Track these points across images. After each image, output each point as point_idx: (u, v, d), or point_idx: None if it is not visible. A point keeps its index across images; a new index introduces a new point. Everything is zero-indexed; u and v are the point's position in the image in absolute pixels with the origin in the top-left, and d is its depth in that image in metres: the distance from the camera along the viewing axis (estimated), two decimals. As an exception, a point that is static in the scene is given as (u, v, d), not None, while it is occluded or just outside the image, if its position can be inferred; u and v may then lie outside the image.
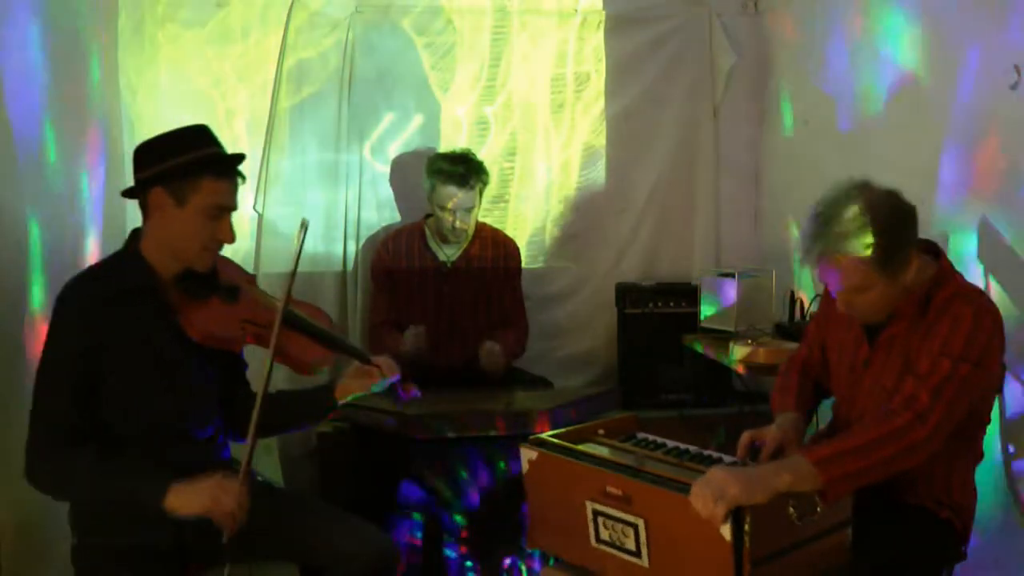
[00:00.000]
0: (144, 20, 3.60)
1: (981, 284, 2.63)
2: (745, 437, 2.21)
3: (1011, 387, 2.46)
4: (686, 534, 1.87)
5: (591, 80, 4.06)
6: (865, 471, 1.91)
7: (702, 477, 1.85)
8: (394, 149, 3.93)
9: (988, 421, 2.22)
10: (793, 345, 2.93)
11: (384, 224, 3.92)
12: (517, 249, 3.81)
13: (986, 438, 2.24)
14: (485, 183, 3.63)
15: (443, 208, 3.54)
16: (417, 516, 3.06)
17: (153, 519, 2.02)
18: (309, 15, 3.78)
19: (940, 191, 2.83)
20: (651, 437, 2.30)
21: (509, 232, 3.90)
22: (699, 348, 3.63)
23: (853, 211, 2.01)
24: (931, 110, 2.92)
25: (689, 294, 3.83)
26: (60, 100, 2.70)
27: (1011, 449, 2.57)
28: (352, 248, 3.89)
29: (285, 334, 2.18)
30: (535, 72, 4.00)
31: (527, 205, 4.07)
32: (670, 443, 2.24)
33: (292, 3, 3.74)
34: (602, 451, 2.18)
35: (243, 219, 3.63)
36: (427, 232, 3.69)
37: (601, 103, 4.07)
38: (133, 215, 3.21)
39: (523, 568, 3.02)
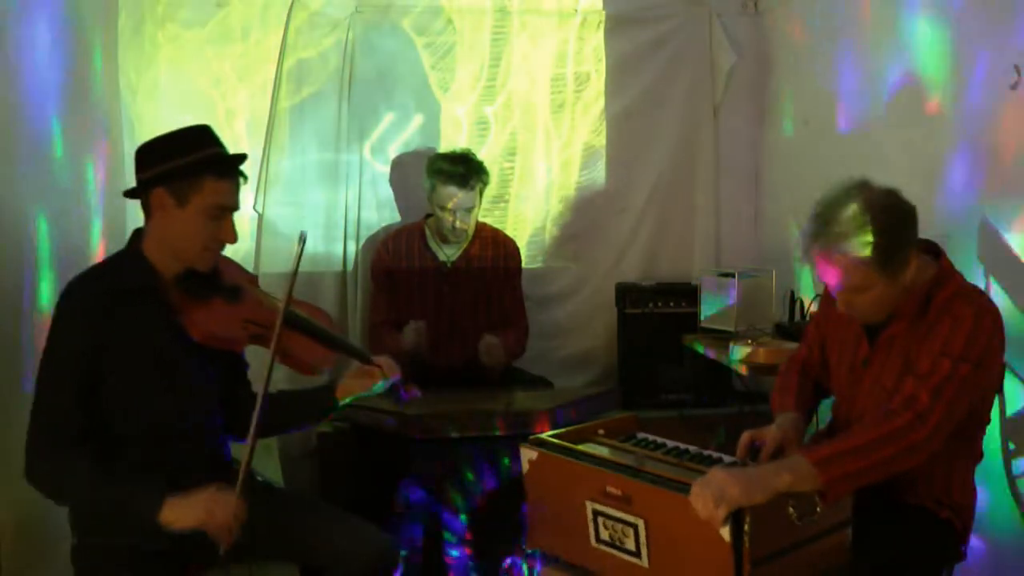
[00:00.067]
0: (144, 20, 3.60)
1: (981, 284, 2.63)
2: (745, 437, 2.21)
3: (1011, 387, 2.46)
4: (686, 534, 1.87)
5: (591, 80, 4.06)
6: (865, 471, 1.91)
7: (702, 478, 1.85)
8: (394, 149, 3.93)
9: (988, 421, 2.22)
10: (793, 345, 2.93)
11: (384, 224, 3.92)
12: (517, 249, 3.81)
13: (986, 438, 2.24)
14: (485, 183, 3.63)
15: (443, 208, 3.54)
16: (417, 516, 3.06)
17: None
18: (309, 15, 3.78)
19: (940, 191, 2.83)
20: (651, 437, 2.30)
21: (509, 232, 3.90)
22: (699, 348, 3.63)
23: (852, 210, 2.01)
24: (931, 110, 2.92)
25: (689, 294, 3.83)
26: (67, 95, 2.71)
27: (1011, 449, 2.57)
28: (352, 248, 3.89)
29: (286, 334, 2.18)
30: (535, 72, 4.00)
31: (527, 205, 4.07)
32: (670, 443, 2.25)
33: (292, 3, 3.73)
34: (602, 451, 2.18)
35: (243, 219, 3.63)
36: (427, 232, 3.69)
37: (601, 103, 4.07)
38: (133, 215, 3.22)
39: (523, 568, 3.02)
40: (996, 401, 2.31)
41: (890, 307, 2.11)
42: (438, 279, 3.66)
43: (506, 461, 2.98)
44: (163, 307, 2.17)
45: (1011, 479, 2.58)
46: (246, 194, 2.28)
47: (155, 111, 3.63)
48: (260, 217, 3.77)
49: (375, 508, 2.85)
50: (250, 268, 3.07)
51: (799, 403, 2.33)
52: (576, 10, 4.01)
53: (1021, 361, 2.48)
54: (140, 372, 2.11)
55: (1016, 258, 2.57)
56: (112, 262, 2.24)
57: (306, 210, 3.85)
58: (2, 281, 2.31)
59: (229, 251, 2.27)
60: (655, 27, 4.07)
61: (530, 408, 3.07)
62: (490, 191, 3.78)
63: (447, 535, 3.05)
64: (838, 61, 3.51)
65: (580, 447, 2.17)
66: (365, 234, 3.91)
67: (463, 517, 3.04)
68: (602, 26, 4.03)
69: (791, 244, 3.83)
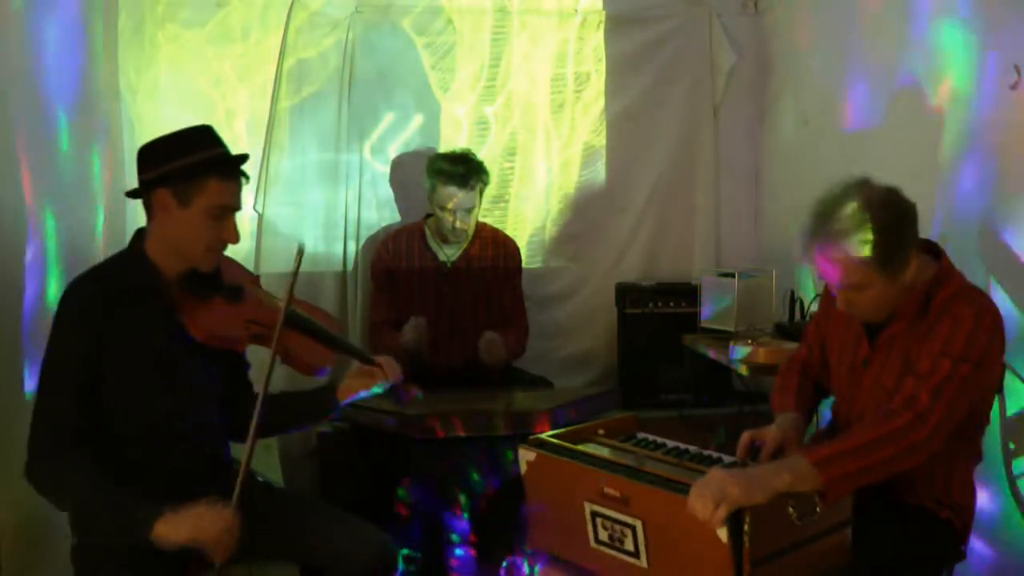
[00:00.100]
0: (144, 20, 3.60)
1: (981, 284, 2.63)
2: (745, 437, 2.21)
3: (1011, 387, 2.46)
4: (684, 535, 1.87)
5: (591, 80, 4.06)
6: (865, 471, 1.91)
7: (702, 478, 1.85)
8: (394, 149, 3.93)
9: (988, 421, 2.22)
10: (793, 345, 2.93)
11: (384, 224, 3.92)
12: (517, 249, 3.81)
13: (986, 438, 2.24)
14: (485, 183, 3.63)
15: (443, 208, 3.54)
16: (417, 516, 3.06)
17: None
18: (309, 15, 3.78)
19: (940, 191, 2.83)
20: (651, 437, 2.30)
21: (509, 232, 3.90)
22: (698, 348, 3.63)
23: (852, 208, 2.01)
24: (931, 110, 2.92)
25: (689, 294, 3.82)
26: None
27: (1011, 449, 2.57)
28: (352, 248, 3.89)
29: (287, 334, 2.18)
30: (535, 72, 4.00)
31: (527, 205, 4.07)
32: (670, 443, 2.25)
33: (292, 3, 3.73)
34: (602, 451, 2.18)
35: (243, 219, 3.60)
36: (427, 232, 3.69)
37: (601, 103, 4.07)
38: (133, 214, 3.23)
39: (523, 568, 3.02)
40: (996, 401, 2.31)
41: (890, 306, 2.11)
42: (438, 279, 3.66)
43: (506, 461, 2.98)
44: (165, 307, 2.17)
45: (1011, 479, 2.57)
46: (246, 194, 2.27)
47: (155, 111, 3.63)
48: (260, 217, 3.77)
49: (375, 508, 2.85)
50: (250, 268, 3.08)
51: (799, 403, 2.33)
52: (576, 10, 4.01)
53: (1021, 361, 2.48)
54: (141, 372, 2.11)
55: (1016, 258, 2.57)
56: (114, 262, 2.23)
57: (306, 210, 3.85)
58: (3, 280, 2.31)
59: (229, 251, 2.27)
60: (655, 27, 4.07)
61: (530, 408, 3.07)
62: (490, 191, 3.78)
63: (447, 535, 3.05)
64: (838, 61, 3.51)
65: (580, 447, 2.17)
66: (365, 234, 3.91)
67: (463, 517, 3.04)
68: (602, 26, 4.03)
69: (791, 244, 3.82)
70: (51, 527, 2.33)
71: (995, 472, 2.58)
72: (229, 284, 2.25)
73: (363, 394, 2.39)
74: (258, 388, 2.12)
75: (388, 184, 3.93)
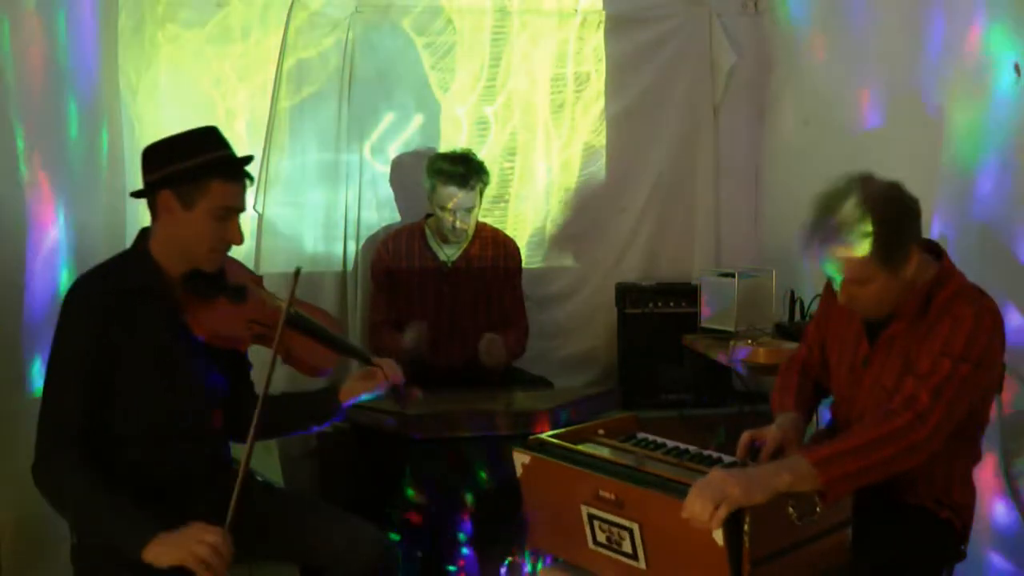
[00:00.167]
0: (144, 20, 3.60)
1: (981, 284, 2.62)
2: (745, 437, 2.21)
3: (1011, 387, 2.46)
4: (681, 537, 1.86)
5: (591, 80, 4.06)
6: (865, 471, 1.91)
7: (702, 479, 1.84)
8: (394, 149, 3.93)
9: (987, 421, 2.22)
10: (793, 345, 2.93)
11: (384, 224, 3.92)
12: (517, 249, 3.81)
13: (986, 438, 2.24)
14: (485, 183, 3.63)
15: (443, 208, 3.54)
16: (416, 516, 3.06)
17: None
18: (309, 15, 3.78)
19: (940, 191, 2.83)
20: (651, 437, 2.30)
21: (509, 232, 3.90)
22: (698, 348, 3.63)
23: (852, 203, 2.00)
24: (931, 109, 2.92)
25: (689, 294, 3.82)
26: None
27: (1011, 449, 2.57)
28: (352, 248, 3.89)
29: (289, 335, 2.18)
30: (535, 72, 4.00)
31: (527, 205, 4.07)
32: (670, 443, 2.24)
33: (292, 3, 3.73)
34: (602, 451, 2.17)
35: (243, 219, 3.62)
36: (427, 232, 3.69)
37: (601, 103, 4.07)
38: (133, 214, 3.23)
39: (523, 568, 3.02)
40: (996, 401, 2.31)
41: (892, 302, 2.10)
42: (438, 279, 3.66)
43: (507, 461, 2.97)
44: (168, 306, 2.17)
45: (1011, 479, 2.57)
46: (247, 194, 2.28)
47: (155, 111, 3.63)
48: (260, 217, 3.77)
49: (375, 508, 2.85)
50: (250, 268, 3.08)
51: (799, 403, 2.33)
52: (576, 10, 4.01)
53: (1021, 361, 2.48)
54: (144, 371, 2.11)
55: (1016, 258, 2.57)
56: (118, 261, 2.24)
57: (306, 210, 3.85)
58: (3, 279, 2.31)
59: (230, 251, 2.27)
60: (655, 27, 4.07)
61: (530, 408, 3.07)
62: (490, 191, 3.78)
63: (447, 535, 3.05)
64: (838, 61, 3.51)
65: (579, 447, 2.17)
66: (365, 234, 3.90)
67: (463, 517, 3.04)
68: (602, 26, 4.03)
69: (791, 244, 3.80)
70: (51, 527, 2.33)
71: (994, 472, 2.58)
72: (232, 284, 2.25)
73: (365, 397, 2.39)
74: (259, 389, 2.12)
75: (388, 184, 3.93)
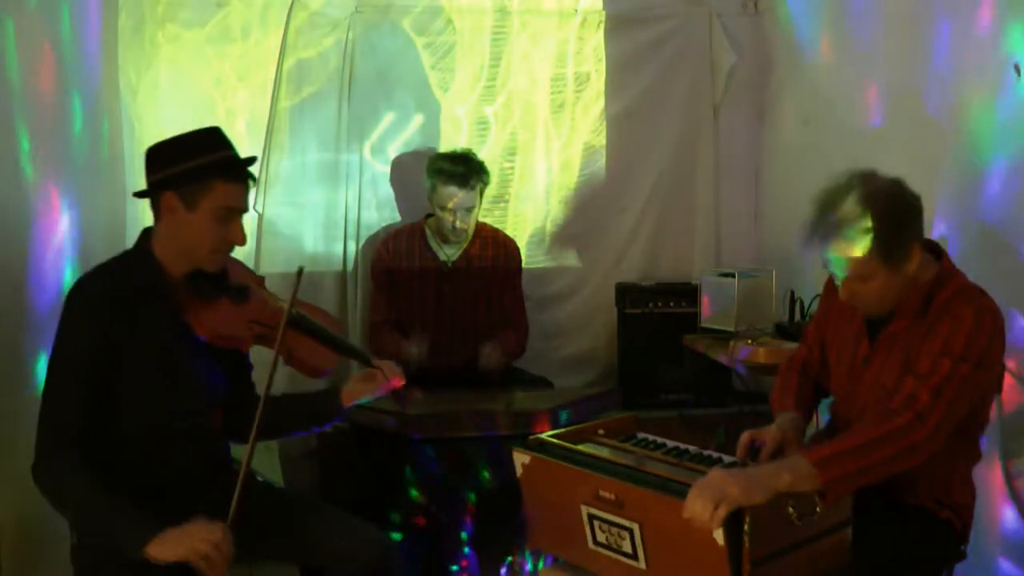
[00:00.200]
0: (144, 20, 3.60)
1: (989, 285, 2.62)
2: (745, 437, 2.21)
3: (1011, 387, 2.46)
4: (682, 537, 1.87)
5: (591, 80, 4.06)
6: (865, 471, 1.91)
7: (701, 479, 1.85)
8: (394, 149, 3.92)
9: (987, 421, 2.22)
10: (793, 345, 2.93)
11: (384, 224, 3.92)
12: (517, 249, 3.81)
13: (985, 438, 2.24)
14: (486, 183, 3.63)
15: (444, 208, 3.54)
16: (417, 516, 3.06)
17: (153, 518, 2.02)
18: (309, 15, 3.77)
19: (940, 190, 2.83)
20: (651, 437, 2.30)
21: (509, 232, 3.90)
22: (698, 348, 3.63)
23: (854, 199, 2.00)
24: (931, 109, 2.92)
25: (689, 294, 3.82)
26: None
27: (1010, 449, 2.57)
28: (352, 248, 3.89)
29: (291, 335, 2.18)
30: (535, 72, 4.00)
31: (527, 205, 4.07)
32: (670, 443, 2.25)
33: (292, 3, 3.73)
34: (602, 451, 2.18)
35: (243, 219, 3.63)
36: (427, 232, 3.69)
37: (601, 103, 4.07)
38: (133, 214, 3.23)
39: (523, 568, 3.02)
40: (996, 401, 2.31)
41: (894, 299, 2.10)
42: (438, 279, 3.66)
43: (507, 461, 2.97)
44: (170, 306, 2.17)
45: (1010, 479, 2.57)
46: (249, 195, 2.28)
47: (155, 111, 3.63)
48: (260, 217, 3.77)
49: (375, 508, 2.85)
50: (250, 268, 3.08)
51: (799, 403, 2.33)
52: (576, 10, 4.01)
53: (1021, 361, 2.48)
54: (146, 371, 2.12)
55: (1016, 258, 2.57)
56: (120, 261, 2.24)
57: (306, 210, 3.85)
58: (4, 279, 2.31)
59: (232, 251, 2.27)
60: (655, 27, 4.07)
61: (530, 408, 3.07)
62: (490, 191, 3.78)
63: (447, 535, 3.05)
64: (838, 61, 3.51)
65: (579, 447, 2.17)
66: (365, 234, 3.90)
67: (463, 517, 3.04)
68: (602, 26, 4.03)
69: (791, 244, 3.80)
70: (51, 527, 2.33)
71: (994, 472, 2.58)
72: (234, 284, 2.26)
73: (366, 398, 2.39)
74: (260, 389, 2.12)
75: (388, 184, 3.93)
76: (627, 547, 1.98)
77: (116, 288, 2.10)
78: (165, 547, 1.94)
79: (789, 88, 3.93)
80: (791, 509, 1.87)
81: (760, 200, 4.19)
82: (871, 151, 3.21)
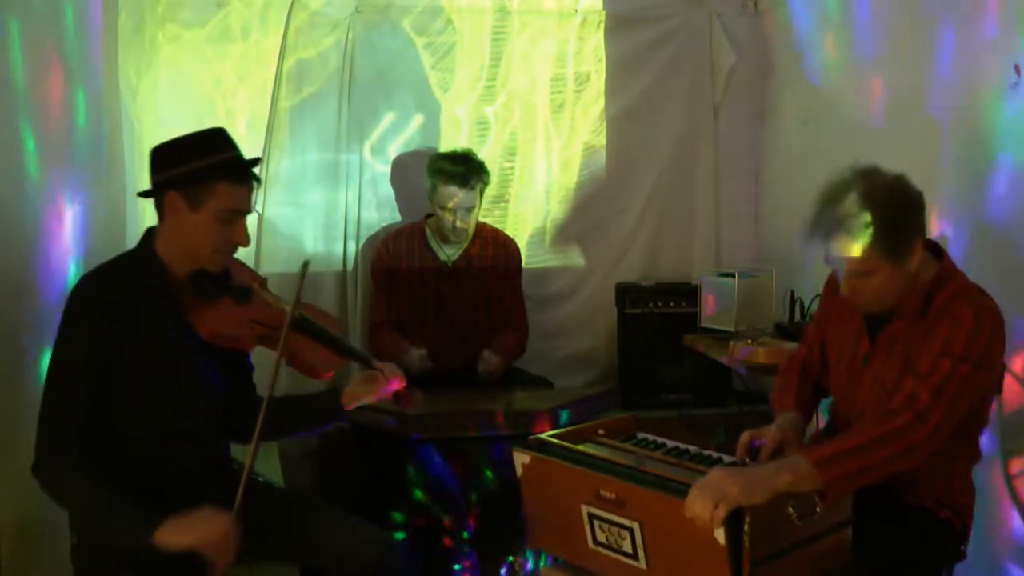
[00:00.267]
0: (144, 20, 3.60)
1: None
2: (745, 437, 2.21)
3: (1010, 387, 2.46)
4: (682, 537, 1.87)
5: (591, 80, 4.06)
6: (865, 471, 1.91)
7: (701, 479, 1.84)
8: (394, 149, 3.93)
9: (987, 422, 2.22)
10: (793, 345, 2.93)
11: (384, 224, 3.92)
12: (517, 249, 3.81)
13: (985, 438, 2.24)
14: (486, 183, 3.64)
15: (444, 208, 3.54)
16: (417, 516, 3.06)
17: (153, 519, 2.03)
18: (309, 15, 3.78)
19: (940, 190, 2.83)
20: (651, 437, 2.30)
21: (509, 232, 3.90)
22: (698, 348, 3.63)
23: (856, 193, 2.00)
24: (931, 109, 2.92)
25: (689, 294, 3.82)
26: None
27: (1010, 449, 2.57)
28: (352, 248, 3.89)
29: (294, 338, 2.19)
30: (535, 72, 4.00)
31: (527, 205, 4.07)
32: (670, 443, 2.25)
33: (292, 3, 3.73)
34: (602, 451, 2.17)
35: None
36: (427, 232, 3.69)
37: (601, 103, 4.07)
38: (133, 214, 3.23)
39: (523, 567, 3.02)
40: (995, 401, 2.31)
41: (895, 296, 2.10)
42: (438, 279, 3.66)
43: (502, 464, 2.98)
44: (173, 306, 2.18)
45: (1010, 478, 2.57)
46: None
47: (155, 111, 3.63)
48: (260, 217, 3.77)
49: (375, 508, 2.85)
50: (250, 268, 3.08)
51: (799, 403, 2.33)
52: (576, 10, 4.01)
53: (1021, 361, 2.48)
54: (148, 371, 2.12)
55: (1016, 258, 2.57)
56: (123, 260, 2.24)
57: (306, 210, 3.85)
58: (4, 278, 2.31)
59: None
60: (655, 27, 4.07)
61: (530, 408, 3.07)
62: (490, 191, 3.78)
63: (447, 535, 3.05)
64: (838, 61, 3.50)
65: (579, 447, 2.17)
66: (365, 234, 3.90)
67: (463, 517, 3.04)
68: (602, 26, 4.03)
69: (791, 244, 3.82)
70: (51, 527, 2.33)
71: (994, 472, 2.58)
72: (237, 285, 2.26)
73: (367, 400, 2.40)
74: (262, 390, 2.12)
75: (388, 184, 3.93)
76: (627, 547, 1.98)
77: (118, 288, 2.11)
78: (173, 535, 1.95)
79: (789, 88, 3.93)
80: (791, 509, 1.87)
81: (760, 200, 4.19)
82: (872, 151, 3.20)
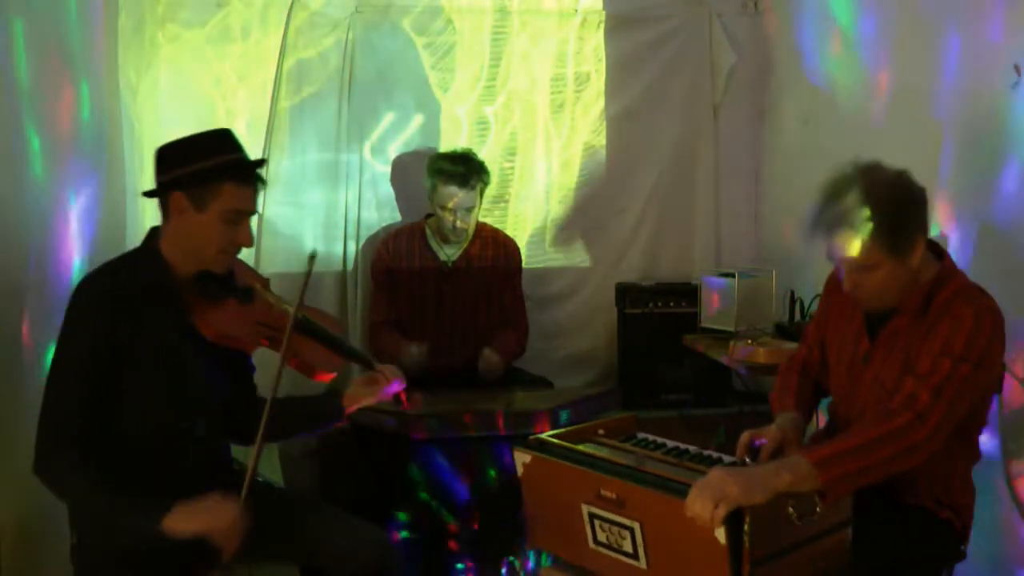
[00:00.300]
0: (144, 20, 3.60)
1: (980, 284, 2.62)
2: (745, 437, 2.21)
3: (1010, 387, 2.46)
4: (682, 536, 1.87)
5: (591, 80, 4.06)
6: (864, 471, 1.91)
7: (701, 479, 1.85)
8: (394, 149, 3.93)
9: (985, 422, 2.22)
10: (793, 345, 2.93)
11: (384, 224, 3.92)
12: (517, 249, 3.81)
13: (985, 438, 2.23)
14: (486, 183, 3.64)
15: (444, 208, 3.54)
16: (417, 516, 3.06)
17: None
18: (309, 15, 3.77)
19: (939, 190, 2.83)
20: (651, 437, 2.30)
21: (509, 232, 3.90)
22: (698, 348, 3.63)
23: (859, 188, 2.01)
24: (931, 109, 2.92)
25: (689, 294, 3.82)
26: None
27: (1010, 449, 2.57)
28: (352, 248, 3.89)
29: (297, 339, 2.19)
30: (535, 72, 4.00)
31: (527, 205, 4.07)
32: (670, 443, 2.25)
33: (292, 3, 3.73)
34: (602, 451, 2.17)
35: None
36: (428, 232, 3.69)
37: (601, 103, 4.07)
38: (133, 214, 3.23)
39: (523, 568, 3.02)
40: (996, 401, 2.31)
41: (897, 292, 2.10)
42: (438, 279, 3.66)
43: (502, 464, 2.98)
44: (176, 306, 2.18)
45: (1010, 478, 2.57)
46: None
47: (155, 111, 3.63)
48: (260, 217, 3.77)
49: (375, 508, 2.85)
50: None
51: (799, 403, 2.33)
52: (576, 10, 4.01)
53: (1021, 361, 2.48)
54: (151, 370, 2.12)
55: (1015, 258, 2.57)
56: (128, 259, 2.25)
57: (306, 210, 3.85)
58: (4, 279, 2.31)
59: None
60: (655, 27, 4.07)
61: (530, 408, 3.07)
62: (490, 191, 3.78)
63: (447, 535, 3.05)
64: (838, 60, 3.50)
65: (579, 447, 2.17)
66: (365, 234, 3.90)
67: (463, 517, 3.04)
68: (602, 26, 4.03)
69: (791, 244, 3.83)
70: (51, 527, 2.33)
71: (994, 472, 2.58)
72: (240, 286, 2.27)
73: (368, 402, 2.40)
74: (263, 392, 2.12)
75: (388, 184, 3.93)
76: (628, 547, 1.98)
77: (122, 287, 2.11)
78: (182, 521, 1.97)
79: (789, 88, 3.93)
80: (791, 509, 1.87)
81: (760, 200, 4.19)
82: (872, 152, 3.20)
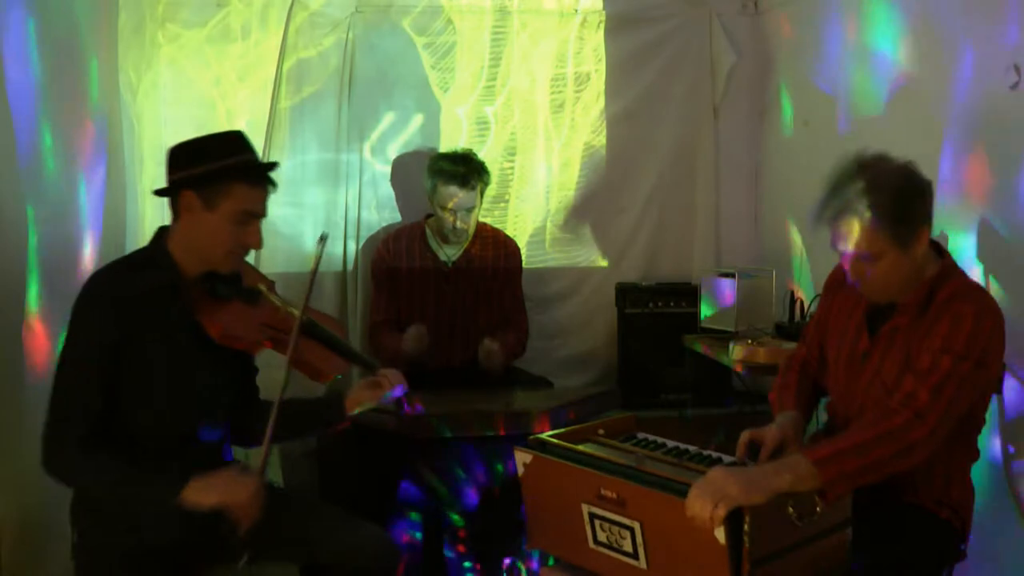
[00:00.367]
0: (144, 20, 3.60)
1: (981, 283, 2.62)
2: (745, 437, 2.21)
3: (1011, 387, 2.46)
4: (682, 536, 1.87)
5: (591, 80, 4.06)
6: (864, 470, 1.91)
7: (701, 479, 1.85)
8: (394, 149, 3.93)
9: (984, 422, 2.22)
10: (793, 345, 2.93)
11: (384, 224, 3.93)
12: (517, 249, 3.81)
13: (985, 438, 2.23)
14: (486, 183, 3.63)
15: (444, 208, 3.54)
16: (417, 516, 3.06)
17: (155, 517, 2.03)
18: (309, 15, 3.78)
19: (939, 190, 2.82)
20: (651, 437, 2.30)
21: (509, 232, 3.90)
22: (698, 348, 3.63)
23: (865, 176, 2.02)
24: (931, 109, 2.92)
25: (689, 294, 3.83)
26: (58, 101, 2.72)
27: (1010, 449, 2.57)
28: (352, 248, 3.89)
29: (302, 341, 2.20)
30: (535, 72, 4.00)
31: (527, 205, 4.07)
32: (670, 443, 2.24)
33: (292, 3, 3.73)
34: (602, 451, 2.17)
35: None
36: (428, 232, 3.69)
37: (601, 103, 4.08)
38: (133, 215, 3.23)
39: (523, 568, 3.02)
40: (995, 401, 2.31)
41: (900, 285, 2.10)
42: (438, 279, 3.66)
43: (502, 464, 2.98)
44: (183, 305, 2.18)
45: (1010, 478, 2.58)
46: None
47: (155, 111, 3.63)
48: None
49: (375, 508, 2.85)
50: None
51: (799, 402, 2.33)
52: (576, 10, 4.01)
53: (1021, 361, 2.48)
54: (156, 368, 2.13)
55: (1015, 258, 2.57)
56: (136, 258, 2.25)
57: (306, 210, 3.85)
58: (3, 280, 2.31)
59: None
60: (655, 27, 4.08)
61: (530, 408, 3.06)
62: (490, 191, 3.78)
63: (447, 535, 3.05)
64: (838, 61, 3.51)
65: (579, 447, 2.17)
66: (365, 234, 3.91)
67: (462, 517, 3.04)
68: (602, 26, 4.03)
69: (791, 244, 3.83)
70: (51, 526, 2.33)
71: (994, 471, 2.58)
72: (247, 287, 2.27)
73: (369, 405, 2.40)
74: (266, 393, 2.13)
75: (388, 184, 3.93)
76: (628, 546, 1.98)
77: (130, 285, 2.11)
78: (201, 493, 2.00)
79: (789, 88, 3.93)
80: (791, 509, 1.87)
81: (760, 200, 4.20)
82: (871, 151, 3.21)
